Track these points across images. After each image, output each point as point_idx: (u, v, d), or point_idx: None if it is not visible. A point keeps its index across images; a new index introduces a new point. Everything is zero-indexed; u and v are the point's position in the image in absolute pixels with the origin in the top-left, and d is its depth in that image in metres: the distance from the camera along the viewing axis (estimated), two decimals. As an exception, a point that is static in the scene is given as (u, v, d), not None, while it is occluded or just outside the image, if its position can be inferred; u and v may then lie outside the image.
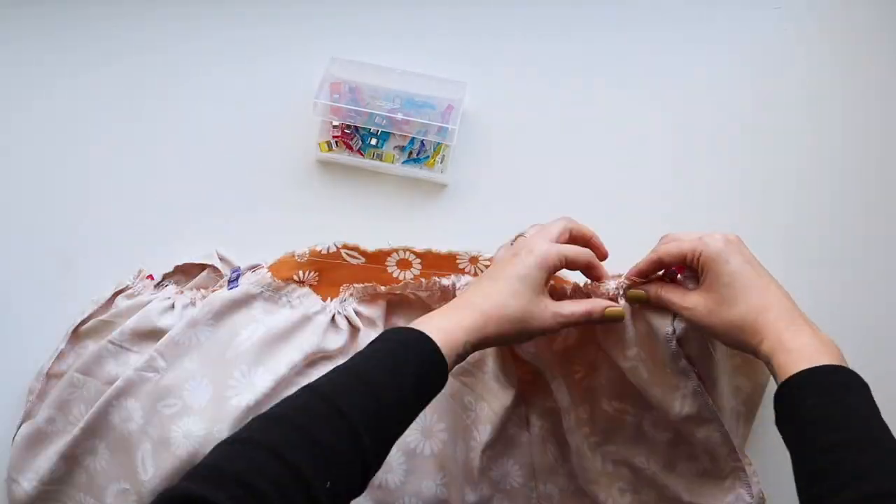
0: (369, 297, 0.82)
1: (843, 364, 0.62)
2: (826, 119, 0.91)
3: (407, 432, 0.79)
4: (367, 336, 0.79)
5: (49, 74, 0.91)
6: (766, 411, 0.84)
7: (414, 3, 0.93)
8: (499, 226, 0.88)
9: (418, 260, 0.83)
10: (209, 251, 0.86)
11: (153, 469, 0.77)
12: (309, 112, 0.87)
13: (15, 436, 0.80)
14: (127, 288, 0.84)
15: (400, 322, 0.81)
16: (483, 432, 0.80)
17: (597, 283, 0.75)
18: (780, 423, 0.63)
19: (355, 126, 0.88)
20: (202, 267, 0.86)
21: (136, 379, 0.78)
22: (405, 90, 0.88)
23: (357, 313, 0.81)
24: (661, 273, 0.75)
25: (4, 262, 0.87)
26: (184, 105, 0.91)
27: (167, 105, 0.91)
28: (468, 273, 0.83)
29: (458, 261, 0.83)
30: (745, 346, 0.66)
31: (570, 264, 0.71)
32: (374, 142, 0.88)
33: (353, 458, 0.57)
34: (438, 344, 0.63)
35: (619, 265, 0.79)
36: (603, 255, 0.75)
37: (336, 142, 0.88)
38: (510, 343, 0.72)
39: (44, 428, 0.80)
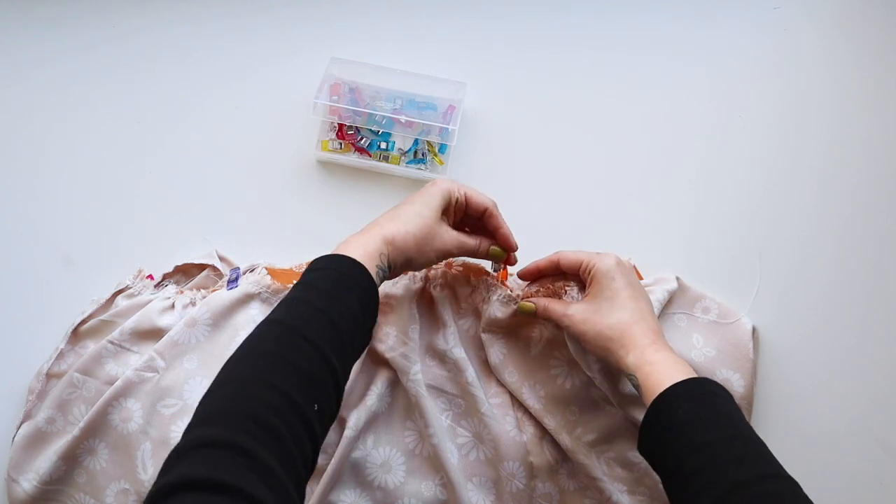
0: None
1: (697, 375, 0.68)
2: (826, 119, 0.91)
3: (406, 433, 0.80)
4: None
5: (51, 76, 0.92)
6: (765, 413, 0.84)
7: (414, 4, 0.93)
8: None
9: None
10: (209, 251, 0.86)
11: (153, 469, 0.77)
12: (309, 112, 0.87)
13: (15, 436, 0.80)
14: (127, 288, 0.84)
15: (390, 330, 0.82)
16: (464, 434, 0.81)
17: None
18: (650, 435, 0.67)
19: (356, 127, 0.88)
20: (202, 267, 0.86)
21: (136, 379, 0.78)
22: (406, 91, 0.88)
23: None
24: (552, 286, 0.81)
25: (4, 262, 0.87)
26: (184, 105, 0.91)
27: (168, 106, 0.91)
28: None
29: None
30: (610, 354, 0.72)
31: (471, 204, 0.77)
32: (383, 145, 0.88)
33: (328, 380, 0.60)
34: (364, 264, 0.67)
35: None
36: (508, 246, 0.80)
37: (341, 143, 0.88)
38: (416, 261, 0.75)
39: (44, 428, 0.80)
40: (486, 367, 0.83)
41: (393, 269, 0.71)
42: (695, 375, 0.67)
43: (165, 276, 0.86)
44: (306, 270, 0.68)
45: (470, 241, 0.77)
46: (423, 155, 0.88)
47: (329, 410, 0.61)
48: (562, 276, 0.80)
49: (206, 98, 0.91)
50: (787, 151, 0.90)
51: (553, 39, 0.93)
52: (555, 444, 0.81)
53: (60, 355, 0.82)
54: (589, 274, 0.75)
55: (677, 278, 0.84)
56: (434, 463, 0.79)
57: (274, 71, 0.92)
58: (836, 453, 0.84)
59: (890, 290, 0.87)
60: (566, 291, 0.79)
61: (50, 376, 0.82)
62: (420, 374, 0.80)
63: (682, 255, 0.88)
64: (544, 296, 0.80)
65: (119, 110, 0.91)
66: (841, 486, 0.84)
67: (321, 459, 0.79)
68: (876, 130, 0.91)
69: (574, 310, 0.75)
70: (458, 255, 0.78)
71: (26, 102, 0.91)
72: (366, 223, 0.87)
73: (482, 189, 0.89)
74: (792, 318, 0.86)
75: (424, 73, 0.89)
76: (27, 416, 0.81)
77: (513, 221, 0.88)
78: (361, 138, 0.88)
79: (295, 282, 0.67)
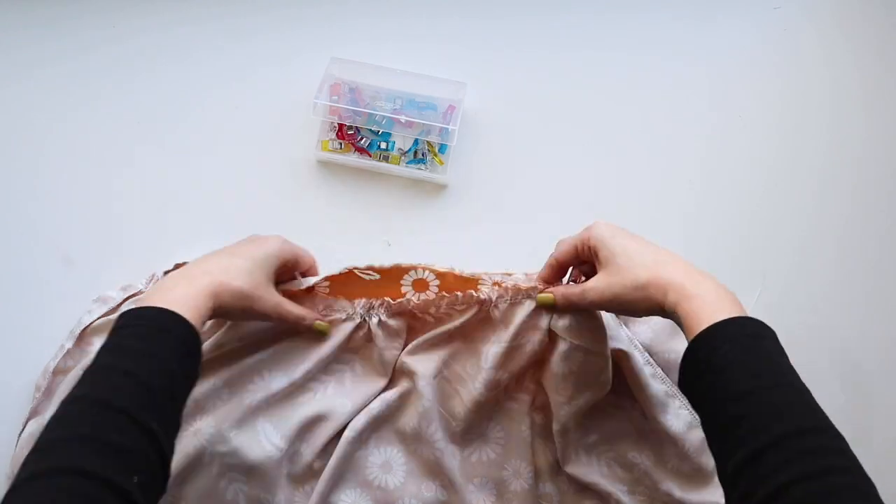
0: (395, 312, 0.80)
1: (744, 310, 0.63)
2: (826, 118, 0.91)
3: (405, 433, 0.80)
4: (388, 348, 0.80)
5: (51, 77, 0.92)
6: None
7: (413, 4, 0.93)
8: (499, 225, 0.88)
9: (436, 281, 0.79)
10: (209, 251, 0.86)
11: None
12: (309, 112, 0.87)
13: (21, 432, 0.80)
14: (139, 293, 0.84)
15: (419, 337, 0.80)
16: (466, 434, 0.80)
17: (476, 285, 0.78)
18: (687, 377, 0.63)
19: (356, 127, 0.88)
20: (202, 266, 0.86)
21: None
22: (406, 91, 0.88)
23: (382, 324, 0.80)
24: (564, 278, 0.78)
25: (5, 262, 0.87)
26: (184, 105, 0.91)
27: (168, 106, 0.91)
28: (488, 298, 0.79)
29: (480, 283, 0.79)
30: (651, 302, 0.66)
31: (299, 263, 0.78)
32: (383, 145, 0.88)
33: (147, 447, 0.57)
34: (184, 315, 0.64)
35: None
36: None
37: (341, 143, 0.88)
38: (234, 318, 0.74)
39: None
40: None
41: (213, 317, 0.69)
42: (739, 313, 0.62)
43: (166, 275, 0.86)
44: (112, 329, 0.64)
45: (293, 311, 0.75)
46: (423, 155, 0.88)
47: (153, 474, 0.58)
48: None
49: (206, 98, 0.91)
50: (787, 151, 0.91)
51: (553, 39, 0.93)
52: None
53: (67, 354, 0.82)
54: (589, 248, 0.71)
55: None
56: (435, 463, 0.79)
57: (274, 71, 0.92)
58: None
59: (891, 289, 0.87)
60: (574, 280, 0.77)
61: (56, 373, 0.82)
62: (433, 400, 0.79)
63: (682, 254, 0.88)
64: (558, 285, 0.76)
65: (119, 110, 0.91)
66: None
67: (321, 461, 0.79)
68: (876, 130, 0.91)
69: (592, 283, 0.70)
70: (275, 322, 0.75)
71: (26, 102, 0.91)
72: (366, 223, 0.88)
73: (482, 188, 0.89)
74: (792, 317, 0.86)
75: (424, 73, 0.89)
76: (34, 413, 0.81)
77: (513, 221, 0.88)
78: (361, 138, 0.88)
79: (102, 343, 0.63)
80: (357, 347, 0.81)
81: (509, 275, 0.85)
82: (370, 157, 0.88)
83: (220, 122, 0.91)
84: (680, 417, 0.80)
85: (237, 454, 0.77)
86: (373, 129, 0.88)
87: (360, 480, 0.80)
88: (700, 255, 0.87)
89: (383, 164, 0.88)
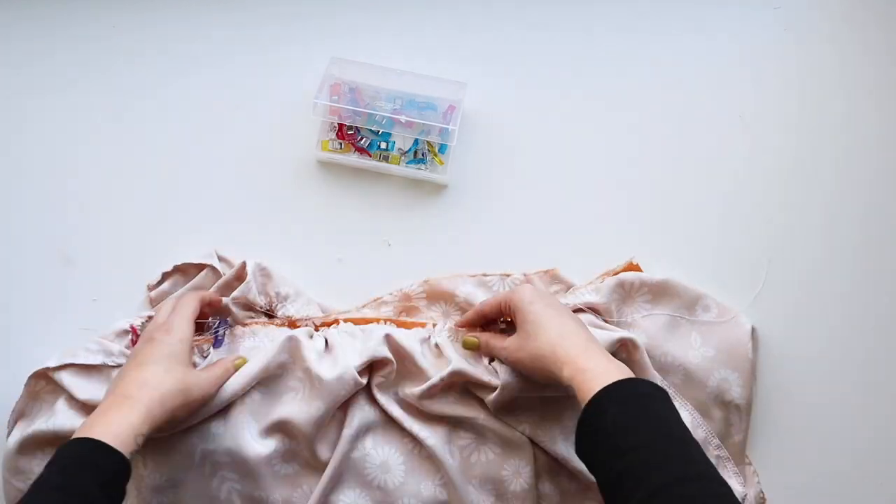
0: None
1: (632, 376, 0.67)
2: (827, 118, 0.91)
3: (404, 434, 0.80)
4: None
5: (49, 75, 0.91)
6: (765, 413, 0.84)
7: (413, 4, 0.93)
8: (499, 226, 0.88)
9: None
10: (209, 251, 0.86)
11: (152, 464, 0.77)
12: (309, 112, 0.87)
13: (8, 435, 0.80)
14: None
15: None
16: (465, 436, 0.81)
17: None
18: (582, 441, 0.66)
19: (356, 127, 0.88)
20: (201, 267, 0.85)
21: None
22: (406, 91, 0.88)
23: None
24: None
25: (5, 262, 0.87)
26: (184, 105, 0.91)
27: (168, 105, 0.91)
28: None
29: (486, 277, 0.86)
30: (549, 374, 0.72)
31: (211, 307, 0.81)
32: (383, 145, 0.88)
33: None
34: (113, 444, 0.64)
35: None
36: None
37: (341, 143, 0.88)
38: (179, 418, 0.74)
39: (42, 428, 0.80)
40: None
41: (153, 433, 0.69)
42: (628, 377, 0.67)
43: (164, 276, 0.86)
44: (47, 464, 0.65)
45: (217, 369, 0.77)
46: (423, 155, 0.88)
47: None
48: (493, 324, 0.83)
49: (206, 98, 0.91)
50: (788, 151, 0.90)
51: (553, 39, 0.93)
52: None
53: (46, 369, 0.81)
54: (510, 308, 0.77)
55: (667, 280, 0.84)
56: (433, 463, 0.79)
57: (274, 71, 0.92)
58: (837, 454, 0.84)
59: (892, 289, 0.87)
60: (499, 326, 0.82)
61: (38, 378, 0.81)
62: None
63: (682, 254, 0.88)
64: (485, 331, 0.82)
65: (119, 110, 0.91)
66: (841, 486, 0.84)
67: (321, 459, 0.79)
68: (878, 130, 0.91)
69: (509, 342, 0.76)
70: (218, 389, 0.76)
71: (26, 102, 0.91)
72: (366, 223, 0.88)
73: (483, 188, 0.89)
74: (793, 317, 0.86)
75: (424, 73, 0.89)
76: (20, 415, 0.81)
77: (513, 221, 0.88)
78: (361, 138, 0.88)
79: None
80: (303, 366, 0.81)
81: (507, 275, 0.86)
82: (370, 157, 0.88)
83: (220, 122, 0.90)
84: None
85: (226, 452, 0.77)
86: (373, 129, 0.88)
87: (359, 480, 0.80)
88: (700, 253, 0.88)
89: (383, 164, 0.88)
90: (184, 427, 0.77)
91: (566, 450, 0.79)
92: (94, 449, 0.64)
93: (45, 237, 0.88)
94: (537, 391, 0.78)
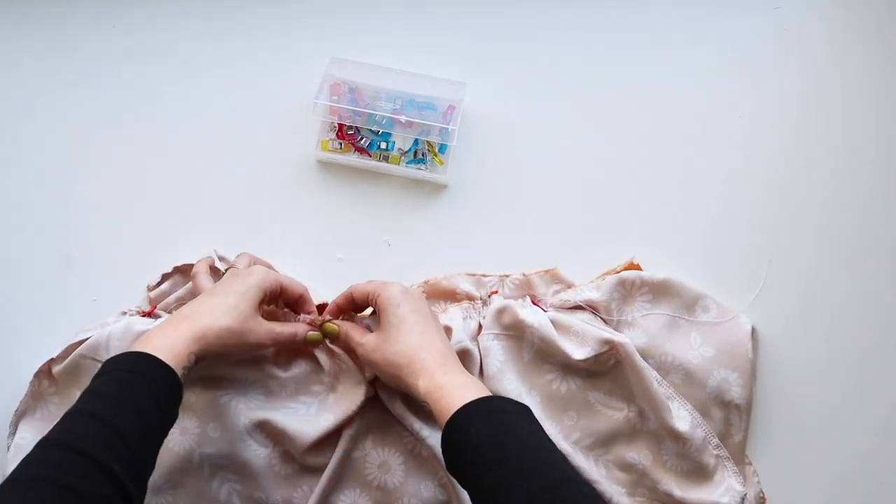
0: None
1: (488, 392, 0.68)
2: (827, 118, 0.91)
3: (404, 434, 0.80)
4: None
5: (51, 75, 0.92)
6: (765, 413, 0.84)
7: (413, 4, 0.93)
8: (499, 226, 0.88)
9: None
10: (209, 251, 0.86)
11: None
12: (309, 112, 0.87)
13: (13, 434, 0.80)
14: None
15: None
16: None
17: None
18: (449, 458, 0.66)
19: (356, 127, 0.88)
20: (201, 266, 0.86)
21: None
22: (406, 91, 0.88)
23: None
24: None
25: (5, 263, 0.87)
26: (184, 105, 0.91)
27: (167, 106, 0.91)
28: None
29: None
30: (402, 382, 0.72)
31: (285, 292, 0.78)
32: (383, 145, 0.88)
33: (106, 490, 0.57)
34: (165, 360, 0.65)
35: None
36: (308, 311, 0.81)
37: (341, 143, 0.88)
38: (230, 354, 0.75)
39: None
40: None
41: (201, 361, 0.70)
42: (485, 394, 0.67)
43: (164, 277, 0.86)
44: (94, 376, 0.65)
45: (285, 330, 0.77)
46: (423, 155, 0.88)
47: None
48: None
49: (206, 98, 0.91)
50: (788, 152, 0.90)
51: (554, 39, 0.93)
52: None
53: (51, 361, 0.82)
54: (376, 304, 0.76)
55: (668, 279, 0.84)
56: (433, 463, 0.79)
57: (274, 71, 0.92)
58: (837, 454, 0.84)
59: (892, 289, 0.87)
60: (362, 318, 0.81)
61: (40, 377, 0.81)
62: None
63: (682, 254, 0.88)
64: (347, 321, 0.80)
65: (119, 110, 0.91)
66: (841, 487, 0.84)
67: (321, 459, 0.79)
68: (879, 130, 0.91)
69: (367, 339, 0.75)
70: (272, 346, 0.77)
71: (26, 102, 0.91)
72: (366, 223, 0.88)
73: (483, 189, 0.89)
74: (793, 317, 0.86)
75: (424, 73, 0.89)
76: (21, 415, 0.81)
77: (513, 222, 0.88)
78: (361, 138, 0.88)
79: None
80: (334, 371, 0.81)
81: (506, 276, 0.86)
82: (370, 157, 0.88)
83: (221, 122, 0.91)
84: (681, 418, 0.80)
85: (226, 455, 0.77)
86: (373, 129, 0.88)
87: (359, 481, 0.80)
88: (701, 258, 0.87)
89: (383, 164, 0.88)
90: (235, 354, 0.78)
91: (570, 448, 0.80)
92: (148, 362, 0.65)
93: (45, 237, 0.88)
94: None
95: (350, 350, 0.79)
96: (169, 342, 0.67)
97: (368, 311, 0.81)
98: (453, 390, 0.67)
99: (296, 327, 0.78)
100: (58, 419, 0.78)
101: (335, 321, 0.79)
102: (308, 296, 0.80)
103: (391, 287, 0.76)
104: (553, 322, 0.81)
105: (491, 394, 0.68)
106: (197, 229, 0.88)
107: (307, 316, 0.79)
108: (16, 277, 0.87)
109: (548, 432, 0.79)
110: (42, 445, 0.60)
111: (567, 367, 0.81)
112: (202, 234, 0.88)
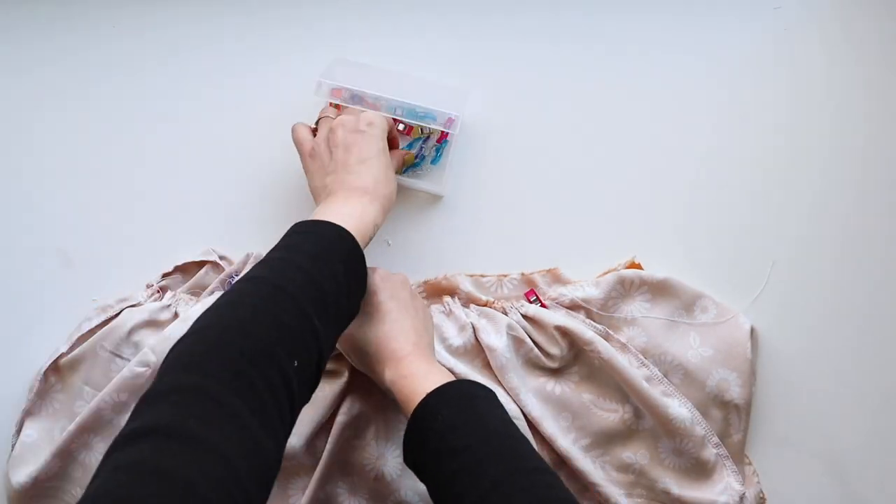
0: None
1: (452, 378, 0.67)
2: (826, 119, 0.91)
3: (402, 426, 0.80)
4: None
5: (51, 76, 0.92)
6: (765, 413, 0.84)
7: (414, 13, 0.93)
8: (493, 238, 0.88)
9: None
10: (207, 249, 0.86)
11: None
12: (309, 115, 0.87)
13: (18, 433, 0.81)
14: (137, 305, 0.84)
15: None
16: None
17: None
18: (412, 446, 0.65)
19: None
20: (201, 265, 0.86)
21: (129, 374, 0.79)
22: (407, 100, 0.87)
23: None
24: None
25: (5, 262, 0.87)
26: (184, 106, 0.91)
27: (168, 106, 0.91)
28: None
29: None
30: (369, 370, 0.71)
31: (391, 130, 0.80)
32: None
33: (310, 340, 0.58)
34: (352, 232, 0.66)
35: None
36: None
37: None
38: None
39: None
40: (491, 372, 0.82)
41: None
42: (452, 380, 0.66)
43: (165, 276, 0.86)
44: (287, 233, 0.65)
45: (396, 161, 0.81)
46: (420, 157, 0.88)
47: (310, 370, 0.58)
48: None
49: (206, 98, 0.91)
50: (788, 151, 0.90)
51: (554, 51, 0.92)
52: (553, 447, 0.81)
53: (60, 356, 0.82)
54: None
55: (667, 279, 0.84)
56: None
57: (274, 72, 0.92)
58: (837, 454, 0.84)
59: (892, 290, 0.87)
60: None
61: (47, 375, 0.82)
62: None
63: (683, 256, 0.88)
64: None
65: (118, 109, 0.91)
66: (841, 486, 0.83)
67: (310, 453, 0.79)
68: (878, 129, 0.90)
69: None
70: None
71: (26, 101, 0.91)
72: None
73: (478, 200, 0.89)
74: (793, 318, 0.86)
75: (425, 82, 0.88)
76: (27, 414, 0.82)
77: (513, 227, 0.88)
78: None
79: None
80: None
81: (504, 276, 0.85)
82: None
83: (221, 123, 0.91)
84: (678, 408, 0.79)
85: None
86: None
87: (356, 471, 0.80)
88: (701, 259, 0.87)
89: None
90: None
91: (569, 447, 0.79)
92: (340, 231, 0.65)
93: (45, 237, 0.88)
94: None
95: None
96: (356, 214, 0.68)
97: None
98: (415, 379, 0.66)
99: (398, 154, 0.82)
100: (62, 415, 0.79)
101: None
102: (394, 131, 0.82)
103: (371, 274, 0.74)
104: (535, 319, 0.81)
105: (455, 378, 0.67)
106: (197, 229, 0.88)
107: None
108: (16, 278, 0.87)
109: (544, 433, 0.79)
110: (251, 282, 0.60)
111: (558, 371, 0.82)
112: (202, 233, 0.88)
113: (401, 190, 0.88)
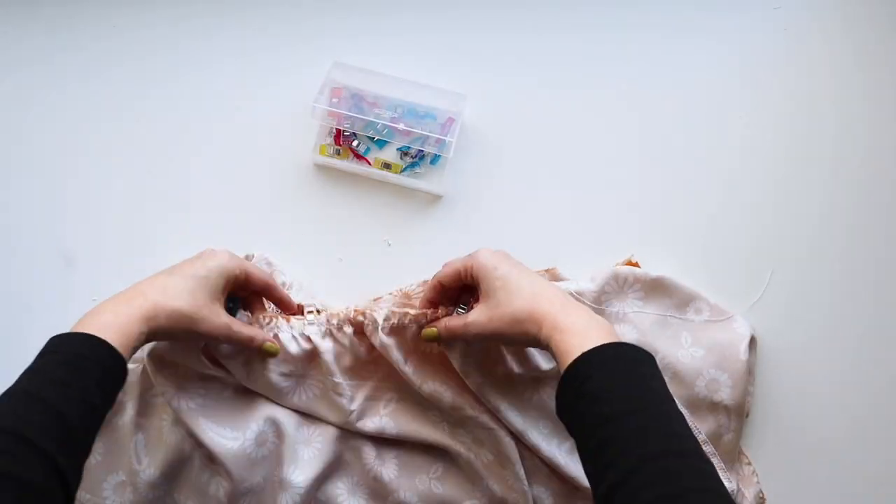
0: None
1: (618, 338, 0.65)
2: (828, 119, 0.91)
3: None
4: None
5: (51, 76, 0.92)
6: (765, 414, 0.84)
7: (414, 16, 0.93)
8: (492, 239, 0.87)
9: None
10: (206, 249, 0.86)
11: (147, 459, 0.78)
12: (308, 117, 0.87)
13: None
14: None
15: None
16: (462, 438, 0.80)
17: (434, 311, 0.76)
18: (563, 406, 0.64)
19: (354, 133, 0.87)
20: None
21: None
22: (406, 100, 0.87)
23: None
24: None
25: (5, 262, 0.88)
26: (185, 107, 0.91)
27: (168, 108, 0.91)
28: None
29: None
30: (527, 336, 0.68)
31: (250, 279, 0.74)
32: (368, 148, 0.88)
33: (51, 483, 0.55)
34: (112, 342, 0.62)
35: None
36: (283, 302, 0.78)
37: (339, 149, 0.88)
38: (179, 339, 0.72)
39: None
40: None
41: (150, 340, 0.68)
42: (611, 340, 0.64)
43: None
44: (38, 355, 0.63)
45: (243, 332, 0.72)
46: (418, 158, 0.88)
47: None
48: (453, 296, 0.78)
49: (206, 99, 0.92)
50: (789, 151, 0.90)
51: (552, 53, 0.92)
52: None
53: None
54: (471, 276, 0.72)
55: (661, 277, 0.83)
56: (430, 456, 0.79)
57: (274, 72, 0.92)
58: (836, 454, 0.84)
59: (892, 292, 0.87)
60: (455, 312, 0.77)
61: None
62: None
63: (682, 259, 0.88)
64: (442, 316, 0.76)
65: (118, 111, 0.91)
66: (840, 487, 0.83)
67: (314, 451, 0.79)
68: (878, 129, 0.90)
69: (473, 316, 0.71)
70: (225, 343, 0.73)
71: (26, 101, 0.92)
72: (360, 228, 0.88)
73: (477, 200, 0.89)
74: (793, 319, 0.86)
75: (425, 83, 0.88)
76: None
77: (506, 234, 0.88)
78: (358, 144, 0.88)
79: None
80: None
81: None
82: (369, 164, 0.88)
83: (220, 124, 0.91)
84: None
85: (207, 446, 0.76)
86: (370, 135, 0.87)
87: (354, 472, 0.80)
88: (701, 261, 0.87)
89: (377, 171, 0.88)
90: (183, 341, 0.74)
91: (554, 452, 0.79)
92: (99, 348, 0.62)
93: (45, 237, 0.88)
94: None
95: (447, 348, 0.76)
96: (122, 320, 0.64)
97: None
98: (574, 334, 0.64)
99: (255, 332, 0.74)
100: None
101: (432, 325, 0.75)
102: (276, 286, 0.77)
103: (480, 254, 0.72)
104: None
105: (612, 337, 0.64)
106: (197, 230, 0.88)
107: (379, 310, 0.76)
108: (16, 277, 0.87)
109: (528, 443, 0.78)
110: None
111: (537, 379, 0.80)
112: (202, 234, 0.88)
113: (401, 190, 0.89)
